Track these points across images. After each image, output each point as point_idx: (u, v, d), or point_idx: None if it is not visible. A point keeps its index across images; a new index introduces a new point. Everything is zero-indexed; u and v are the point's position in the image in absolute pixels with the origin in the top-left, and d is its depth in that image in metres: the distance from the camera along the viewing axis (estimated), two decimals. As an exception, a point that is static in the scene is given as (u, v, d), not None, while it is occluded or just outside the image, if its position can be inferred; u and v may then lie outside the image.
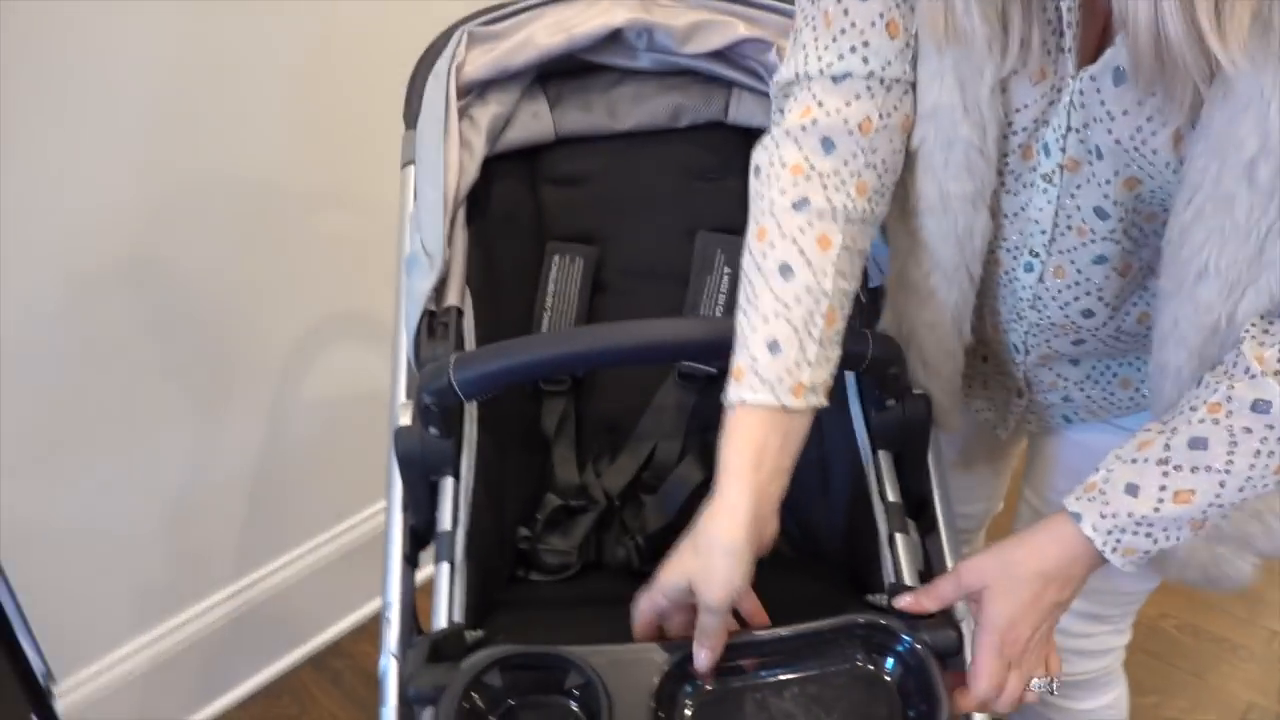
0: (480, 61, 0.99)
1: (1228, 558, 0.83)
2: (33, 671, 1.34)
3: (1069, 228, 0.74)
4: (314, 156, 1.39)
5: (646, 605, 0.73)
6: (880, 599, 0.79)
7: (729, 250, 1.03)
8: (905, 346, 0.83)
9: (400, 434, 0.84)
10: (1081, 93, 0.68)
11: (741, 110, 1.05)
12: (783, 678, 0.70)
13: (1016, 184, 0.75)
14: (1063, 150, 0.71)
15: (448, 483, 0.85)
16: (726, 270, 1.03)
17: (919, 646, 0.69)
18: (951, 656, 0.71)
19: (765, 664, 0.71)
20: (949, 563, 0.85)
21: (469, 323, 0.93)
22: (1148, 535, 0.66)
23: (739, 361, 0.71)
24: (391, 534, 0.88)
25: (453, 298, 0.91)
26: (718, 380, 1.02)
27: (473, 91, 1.00)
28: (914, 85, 0.73)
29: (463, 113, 0.99)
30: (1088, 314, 0.78)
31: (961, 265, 0.78)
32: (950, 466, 0.93)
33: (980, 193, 0.73)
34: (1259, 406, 0.63)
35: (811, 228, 0.71)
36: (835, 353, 0.73)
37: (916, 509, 0.92)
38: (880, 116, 0.72)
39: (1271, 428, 0.63)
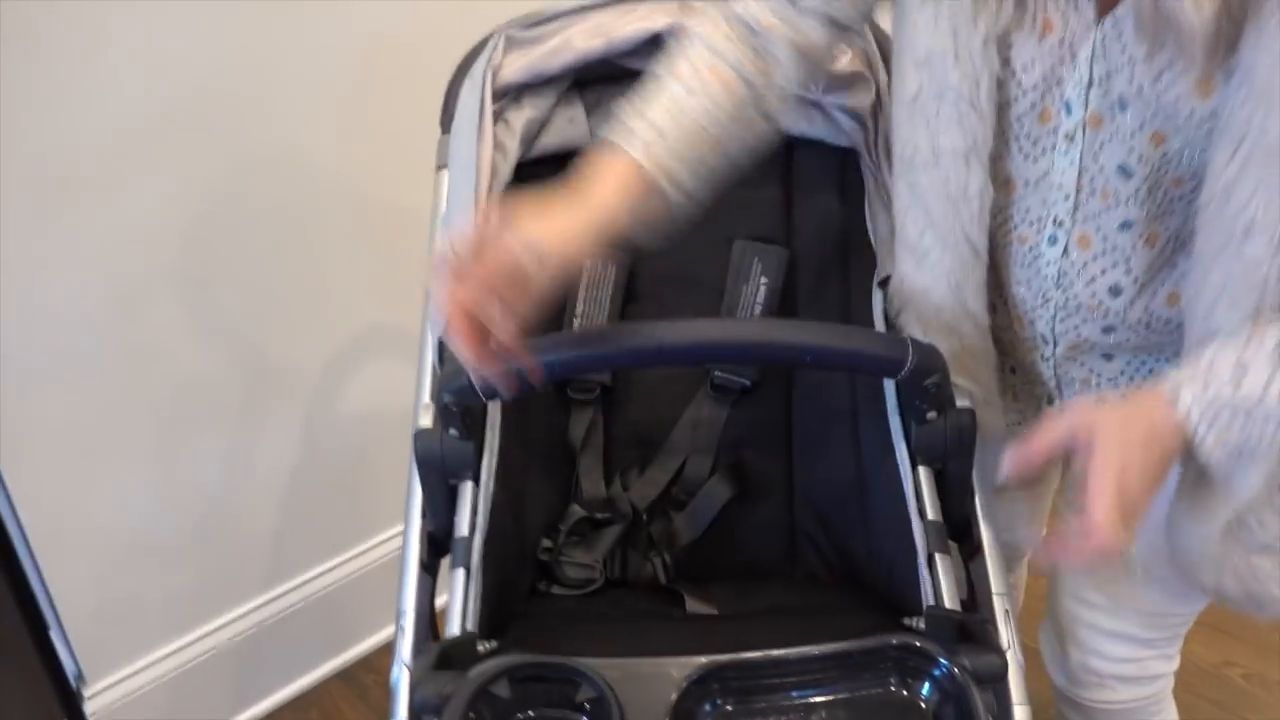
0: (517, 65, 0.98)
1: (1270, 573, 0.77)
2: (64, 672, 1.34)
3: (1093, 192, 0.71)
4: (357, 166, 1.39)
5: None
6: (918, 623, 0.74)
7: (765, 259, 1.00)
8: (905, 309, 0.80)
9: (420, 436, 0.82)
10: (1104, 40, 0.66)
11: (783, 118, 1.02)
12: (811, 700, 0.66)
13: (1035, 149, 0.73)
14: (1085, 105, 0.68)
15: (467, 487, 0.83)
16: (763, 280, 1.00)
17: (958, 671, 0.64)
18: (995, 683, 0.66)
19: (792, 685, 0.66)
20: (995, 587, 0.80)
21: (496, 326, 0.91)
22: (1244, 424, 0.62)
23: (620, 132, 0.72)
24: (409, 539, 0.86)
25: (480, 299, 0.90)
26: (752, 393, 1.00)
27: (508, 95, 0.99)
28: (833, 21, 0.76)
29: (497, 116, 0.98)
30: (1115, 291, 0.75)
31: (958, 228, 0.75)
32: (996, 490, 0.88)
33: (974, 150, 0.72)
34: None
35: (720, 72, 0.75)
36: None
37: (959, 532, 0.87)
38: (787, 27, 0.76)
39: None
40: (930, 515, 0.79)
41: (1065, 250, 0.75)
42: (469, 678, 0.65)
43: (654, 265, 1.04)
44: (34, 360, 1.19)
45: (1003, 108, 0.72)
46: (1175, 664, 0.96)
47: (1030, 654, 0.96)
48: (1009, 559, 1.13)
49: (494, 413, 0.87)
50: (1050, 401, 0.87)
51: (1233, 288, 0.64)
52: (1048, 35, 0.67)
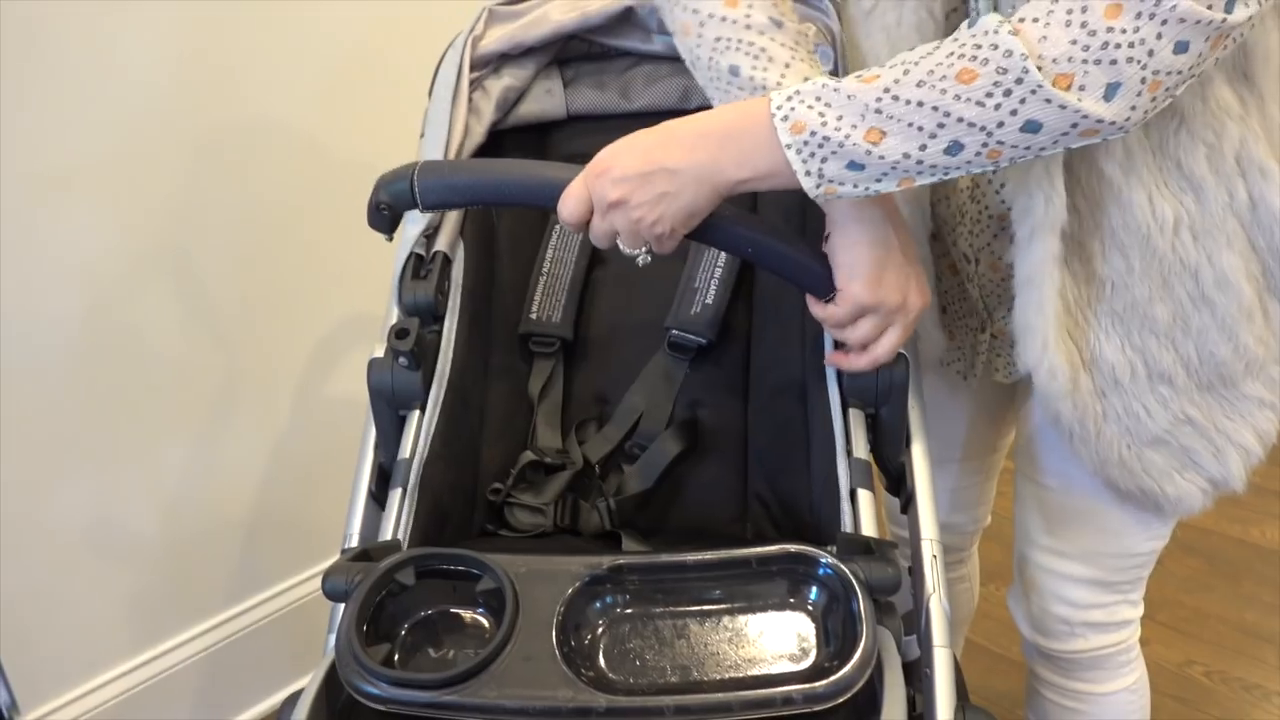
0: (496, 35, 1.03)
1: (1163, 470, 0.78)
2: None
3: None
4: (350, 154, 1.39)
5: None
6: (831, 549, 0.74)
7: (729, 225, 1.03)
8: None
9: (373, 365, 0.86)
10: None
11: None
12: (707, 607, 0.67)
13: None
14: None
15: (414, 416, 0.86)
16: (726, 244, 1.02)
17: (841, 572, 0.64)
18: (889, 593, 0.66)
19: (693, 589, 0.67)
20: (924, 532, 0.80)
21: (457, 271, 0.95)
22: (821, 113, 0.64)
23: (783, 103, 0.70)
24: (361, 469, 0.89)
25: (442, 244, 0.94)
26: (708, 351, 1.02)
27: (489, 65, 1.04)
28: None
29: (476, 83, 1.03)
30: None
31: None
32: (941, 464, 0.89)
33: None
34: (977, 25, 0.63)
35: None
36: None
37: (895, 484, 0.87)
38: None
39: (977, 44, 0.61)
40: (857, 453, 0.80)
41: None
42: (377, 566, 0.68)
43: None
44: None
45: (950, 15, 0.75)
46: (1140, 610, 0.96)
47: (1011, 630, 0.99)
48: (958, 547, 1.14)
49: (446, 349, 0.90)
50: (983, 330, 0.87)
51: None
52: None
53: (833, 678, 0.59)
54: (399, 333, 0.85)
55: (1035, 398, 0.83)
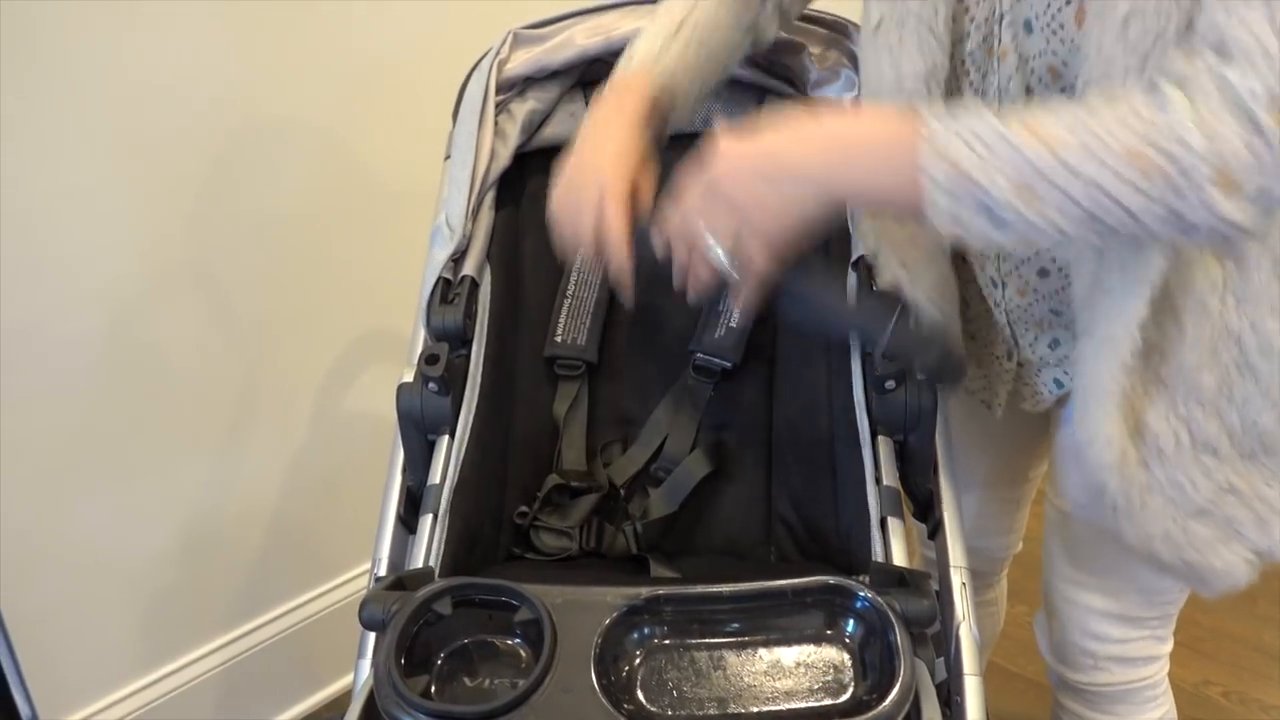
0: (522, 59, 1.04)
1: (1209, 541, 0.77)
2: (18, 715, 1.25)
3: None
4: (370, 169, 1.39)
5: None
6: (864, 579, 0.74)
7: (753, 249, 1.03)
8: (882, 247, 0.83)
9: (402, 390, 0.87)
10: None
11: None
12: (744, 637, 0.67)
13: (984, 82, 0.76)
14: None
15: (443, 441, 0.87)
16: (749, 268, 1.03)
17: (879, 605, 0.64)
18: (925, 626, 0.66)
19: (727, 620, 0.68)
20: (953, 560, 0.80)
21: (485, 294, 0.96)
22: (968, 144, 0.60)
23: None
24: (389, 492, 0.90)
25: (469, 268, 0.94)
26: (733, 374, 1.02)
27: (514, 88, 1.05)
28: None
29: (502, 106, 1.03)
30: None
31: None
32: (965, 490, 0.89)
33: (933, 73, 0.75)
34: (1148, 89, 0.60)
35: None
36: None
37: (923, 510, 0.88)
38: None
39: (1138, 114, 0.58)
40: (886, 481, 0.80)
41: None
42: (414, 595, 0.68)
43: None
44: (10, 369, 1.14)
45: (957, 43, 0.75)
46: (1169, 646, 0.95)
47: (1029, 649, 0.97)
48: (987, 572, 1.14)
49: (475, 373, 0.91)
50: (1009, 358, 0.88)
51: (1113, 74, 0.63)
52: None
53: (872, 712, 0.59)
54: (429, 358, 0.86)
55: (1079, 464, 0.80)
